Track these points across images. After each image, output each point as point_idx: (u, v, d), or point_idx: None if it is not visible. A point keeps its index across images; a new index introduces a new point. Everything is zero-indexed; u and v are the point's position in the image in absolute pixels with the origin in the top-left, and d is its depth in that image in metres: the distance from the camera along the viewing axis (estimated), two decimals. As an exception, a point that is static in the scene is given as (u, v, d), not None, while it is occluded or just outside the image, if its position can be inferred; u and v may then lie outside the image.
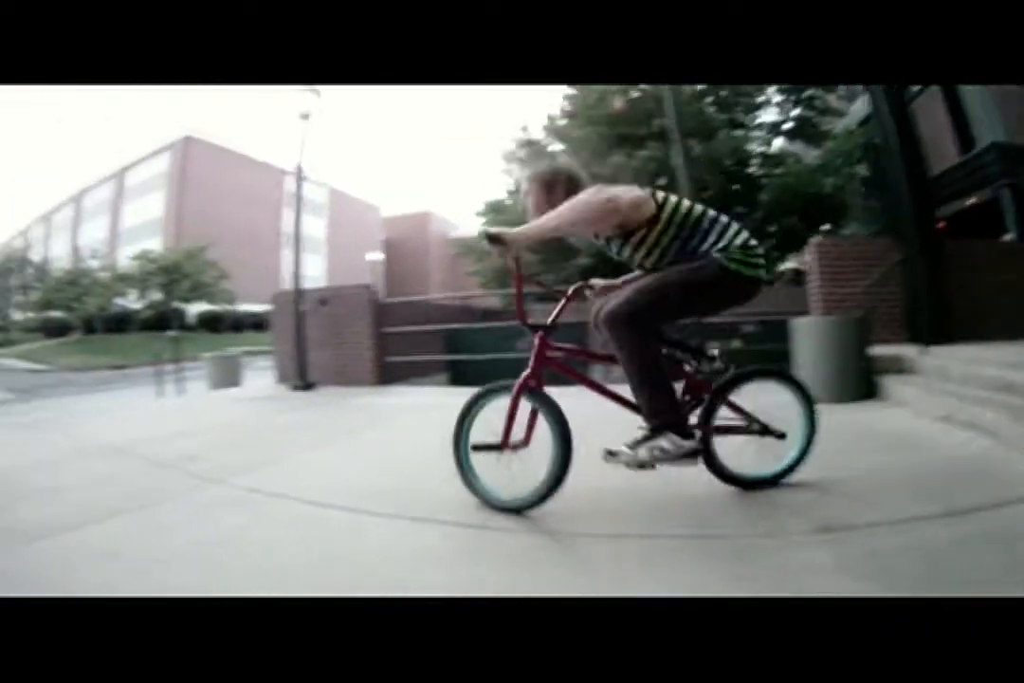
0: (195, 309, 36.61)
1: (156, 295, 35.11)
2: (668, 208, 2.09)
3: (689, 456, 2.04)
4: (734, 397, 2.31)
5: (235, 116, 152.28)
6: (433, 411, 4.95)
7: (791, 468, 2.42)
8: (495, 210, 19.12)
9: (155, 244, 39.66)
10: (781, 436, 2.33)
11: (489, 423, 2.27)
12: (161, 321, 34.49)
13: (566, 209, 2.00)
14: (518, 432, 2.22)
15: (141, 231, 45.66)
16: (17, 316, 45.11)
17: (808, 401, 2.41)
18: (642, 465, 2.06)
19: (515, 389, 2.18)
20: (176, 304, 35.22)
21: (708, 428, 2.24)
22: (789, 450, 2.42)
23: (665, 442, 2.02)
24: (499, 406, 2.26)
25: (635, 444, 2.07)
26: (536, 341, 2.21)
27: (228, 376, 8.88)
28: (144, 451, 3.79)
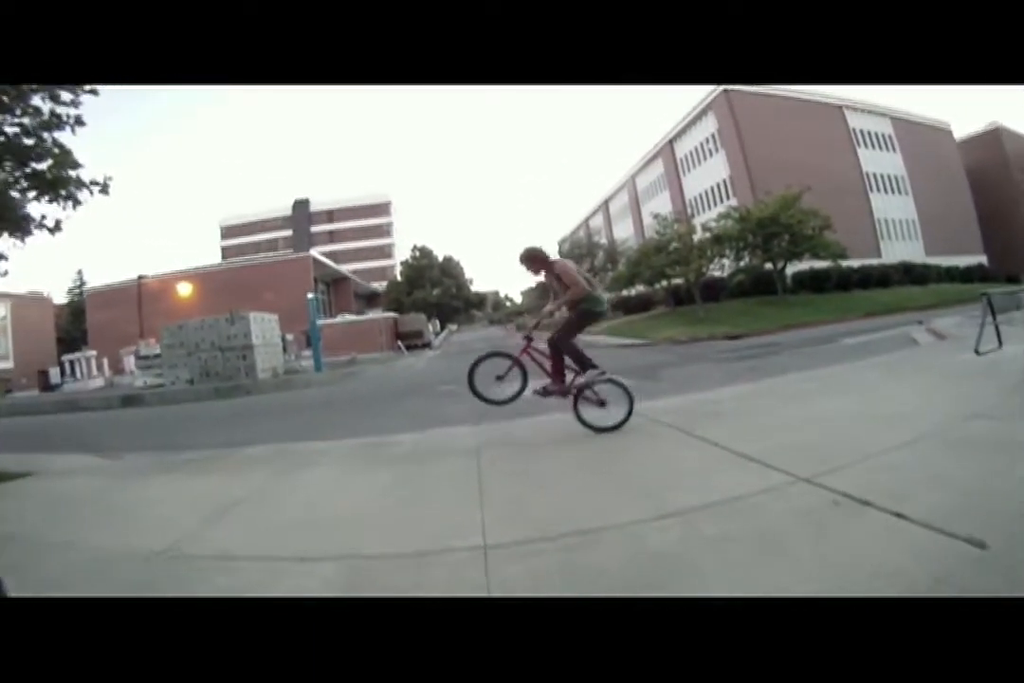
0: (791, 268, 35.37)
1: (747, 256, 34.91)
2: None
3: (565, 395, 6.26)
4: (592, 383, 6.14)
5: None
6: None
7: (615, 426, 6.05)
8: None
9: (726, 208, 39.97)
10: (602, 404, 6.14)
11: (488, 369, 6.37)
12: (757, 285, 35.23)
13: (577, 275, 6.26)
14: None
15: (709, 198, 49.12)
16: None
17: (627, 393, 6.12)
18: (545, 395, 6.36)
19: (520, 353, 6.34)
20: (769, 265, 34.44)
21: (577, 393, 6.14)
22: (616, 416, 6.09)
23: (554, 387, 6.25)
24: (493, 362, 6.41)
25: (544, 389, 6.34)
26: (524, 340, 6.35)
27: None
28: None
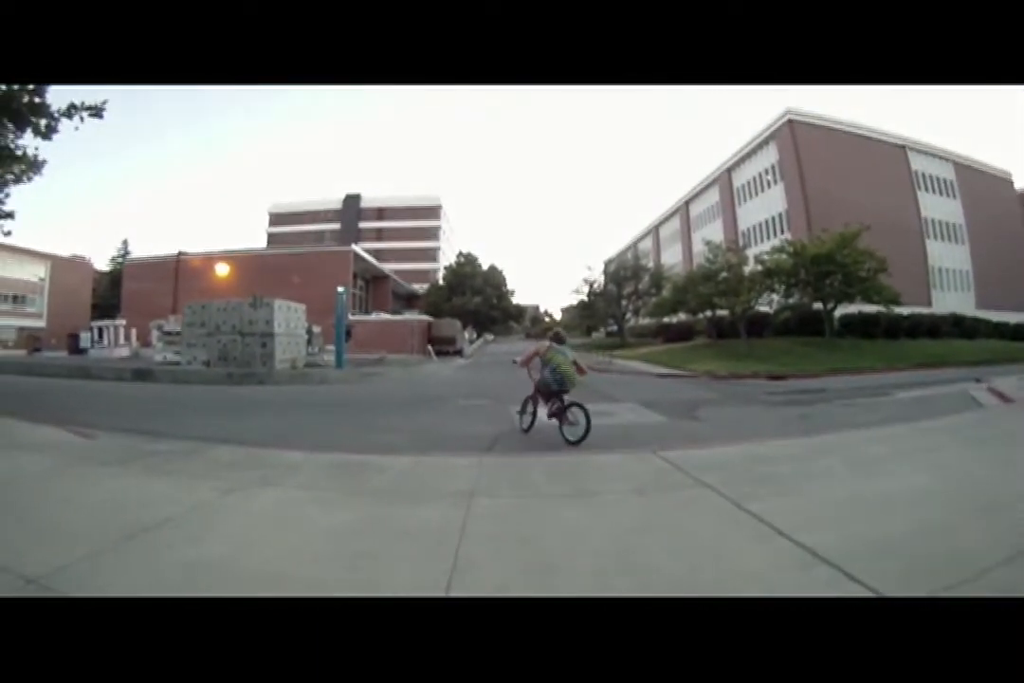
0: (840, 310, 33.53)
1: (797, 293, 33.48)
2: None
3: (553, 417, 8.25)
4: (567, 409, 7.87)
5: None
6: None
7: (580, 441, 7.57)
8: None
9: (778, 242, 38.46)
10: (573, 424, 7.83)
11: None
12: (803, 324, 33.65)
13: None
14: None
15: (763, 230, 47.72)
16: (631, 323, 51.29)
17: (586, 413, 7.74)
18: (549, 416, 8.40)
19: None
20: (817, 305, 33.04)
21: (559, 416, 8.13)
22: (579, 432, 7.65)
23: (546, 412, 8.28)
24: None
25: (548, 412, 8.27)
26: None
27: None
28: None
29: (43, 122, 8.25)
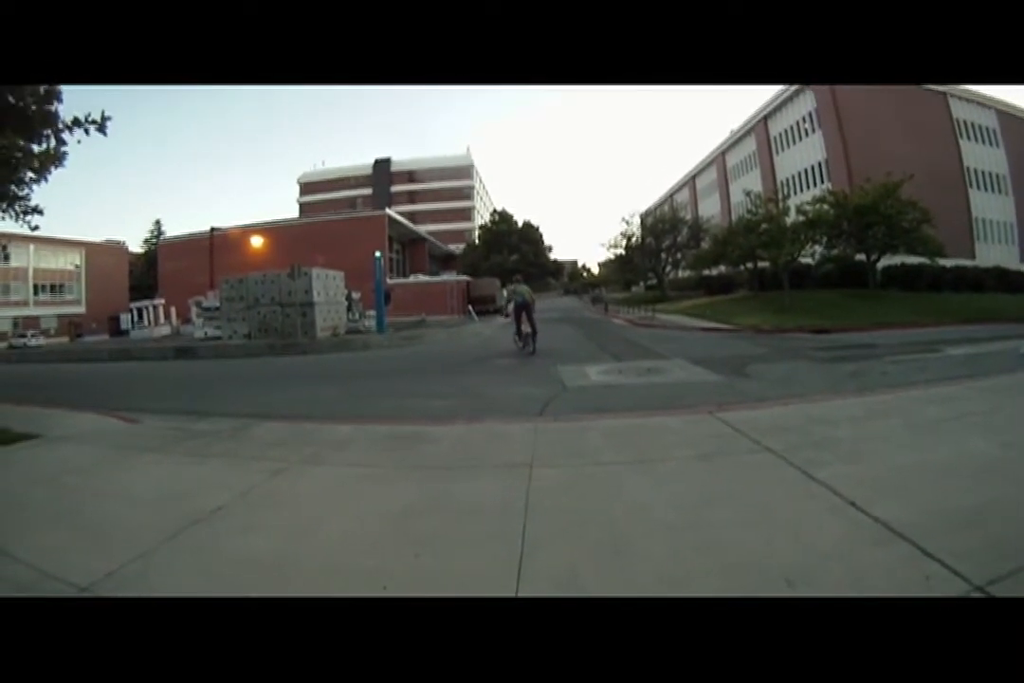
0: (883, 262, 33.01)
1: (840, 245, 32.84)
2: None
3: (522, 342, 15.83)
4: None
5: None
6: None
7: (532, 353, 15.10)
8: None
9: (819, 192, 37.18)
10: (526, 336, 15.72)
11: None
12: (846, 276, 32.84)
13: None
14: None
15: (802, 180, 46.50)
16: (670, 276, 50.73)
17: (533, 325, 15.62)
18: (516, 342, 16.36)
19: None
20: (860, 256, 32.46)
21: (524, 339, 15.91)
22: (530, 349, 15.35)
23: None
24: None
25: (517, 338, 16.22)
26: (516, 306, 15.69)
27: None
28: None
29: (50, 135, 8.35)
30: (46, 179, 8.80)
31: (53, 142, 8.37)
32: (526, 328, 15.37)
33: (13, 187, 8.78)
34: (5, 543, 3.55)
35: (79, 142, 8.32)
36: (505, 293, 19.73)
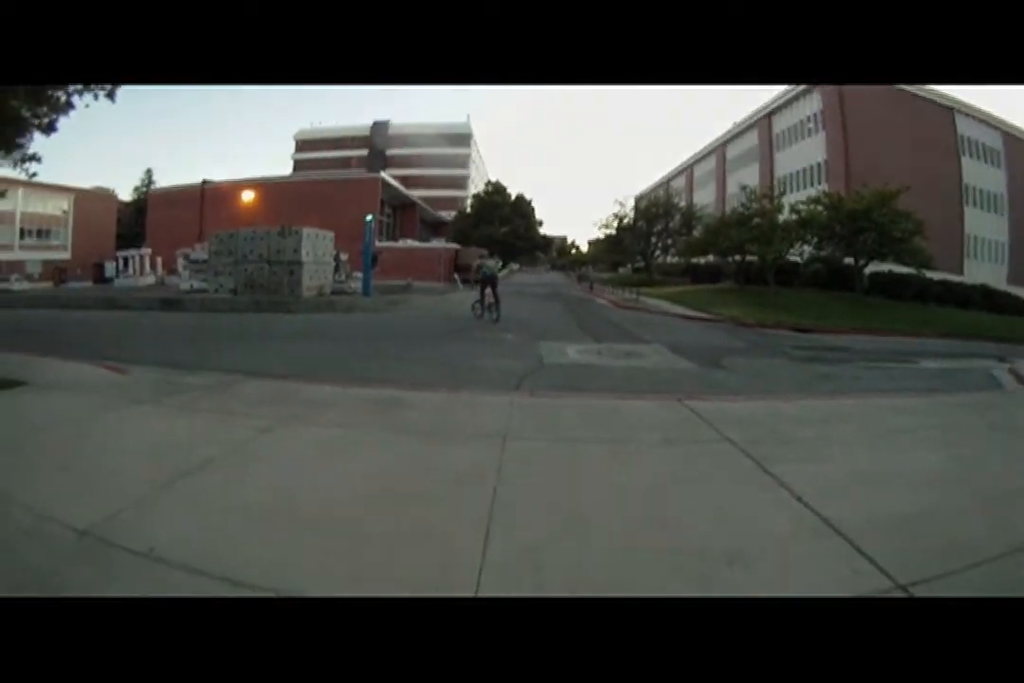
0: (871, 268, 32.73)
1: (829, 247, 32.95)
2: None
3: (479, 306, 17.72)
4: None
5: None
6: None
7: (497, 320, 16.76)
8: None
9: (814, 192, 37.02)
10: (489, 305, 17.19)
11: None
12: (832, 278, 33.19)
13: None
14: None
15: (800, 179, 46.29)
16: (659, 260, 50.68)
17: (496, 296, 17.12)
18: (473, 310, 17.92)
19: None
20: (849, 260, 32.51)
21: (485, 307, 17.45)
22: (495, 317, 16.92)
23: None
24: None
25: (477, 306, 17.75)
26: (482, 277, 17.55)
27: None
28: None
29: (44, 116, 8.41)
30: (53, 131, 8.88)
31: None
32: (489, 299, 17.07)
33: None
34: (3, 487, 3.66)
35: (87, 106, 8.36)
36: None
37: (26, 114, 8.37)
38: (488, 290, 17.22)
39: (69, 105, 8.52)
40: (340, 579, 2.73)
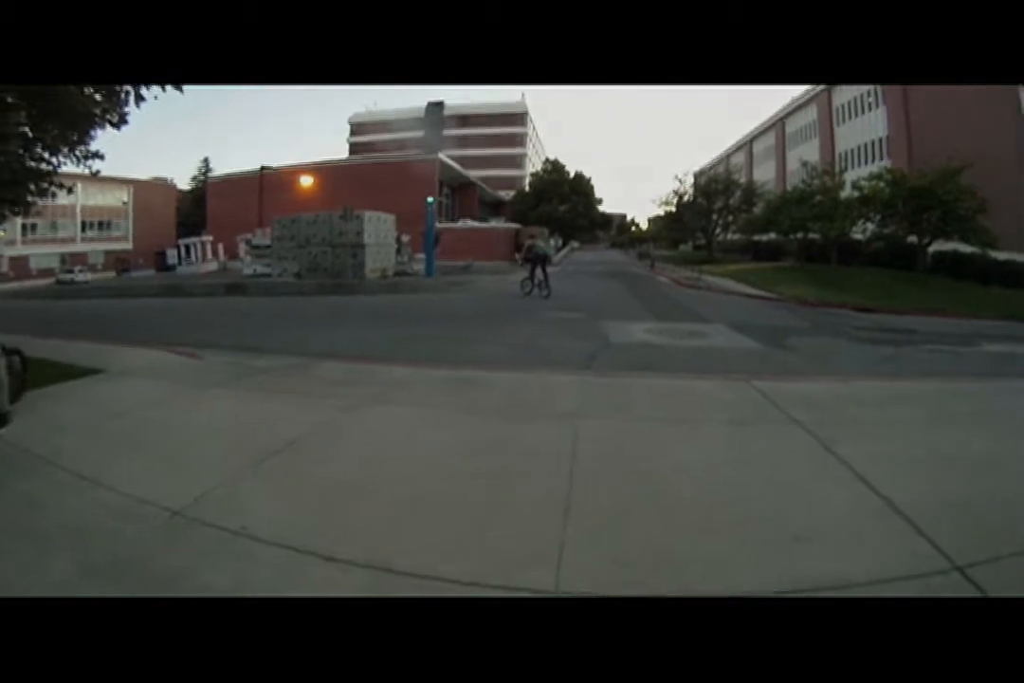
0: (934, 246, 31.57)
1: (892, 224, 31.90)
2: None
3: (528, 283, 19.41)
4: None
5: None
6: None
7: (549, 294, 18.24)
8: None
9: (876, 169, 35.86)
10: (540, 284, 18.89)
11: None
12: (895, 256, 31.88)
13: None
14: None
15: (861, 154, 45.04)
16: (719, 238, 49.98)
17: (546, 274, 18.80)
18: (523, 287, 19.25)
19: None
20: (911, 238, 31.44)
21: (535, 284, 18.74)
22: (545, 294, 18.33)
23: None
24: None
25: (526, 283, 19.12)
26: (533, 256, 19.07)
27: None
28: None
29: (129, 91, 8.56)
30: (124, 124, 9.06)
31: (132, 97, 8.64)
32: (539, 276, 18.62)
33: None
34: (94, 473, 3.74)
35: (156, 98, 8.56)
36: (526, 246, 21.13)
37: (99, 109, 8.54)
38: (538, 269, 18.62)
39: (140, 98, 8.61)
40: (428, 552, 2.84)
